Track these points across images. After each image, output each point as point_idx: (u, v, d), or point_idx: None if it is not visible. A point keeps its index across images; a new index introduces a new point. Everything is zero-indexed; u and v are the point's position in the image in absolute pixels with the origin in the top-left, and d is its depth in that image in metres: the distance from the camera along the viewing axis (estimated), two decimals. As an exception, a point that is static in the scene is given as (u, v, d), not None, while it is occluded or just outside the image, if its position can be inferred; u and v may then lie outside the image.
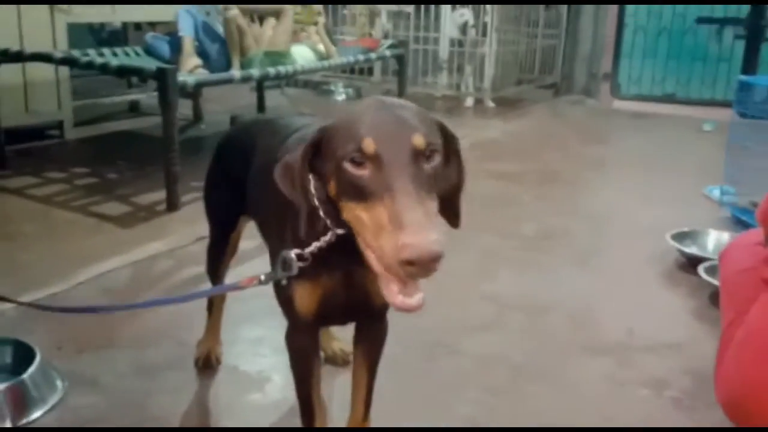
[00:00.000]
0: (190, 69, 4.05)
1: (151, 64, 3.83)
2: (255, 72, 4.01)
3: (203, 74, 3.99)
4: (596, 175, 4.65)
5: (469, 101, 6.55)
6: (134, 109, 5.62)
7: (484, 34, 6.38)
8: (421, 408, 1.98)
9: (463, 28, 6.38)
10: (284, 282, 1.38)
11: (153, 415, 1.90)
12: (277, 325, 1.93)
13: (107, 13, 4.95)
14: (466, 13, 6.38)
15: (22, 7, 4.27)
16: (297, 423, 1.58)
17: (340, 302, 1.41)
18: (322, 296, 1.40)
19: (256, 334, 2.31)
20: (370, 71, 6.85)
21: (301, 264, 1.32)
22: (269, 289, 1.91)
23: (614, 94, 7.19)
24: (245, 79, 4.11)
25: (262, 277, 1.42)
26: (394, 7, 6.65)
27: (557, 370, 2.18)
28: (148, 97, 5.48)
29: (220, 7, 4.36)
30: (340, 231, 1.27)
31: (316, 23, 4.80)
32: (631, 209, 3.79)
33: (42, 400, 1.88)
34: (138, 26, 5.72)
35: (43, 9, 4.39)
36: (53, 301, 2.44)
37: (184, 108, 5.38)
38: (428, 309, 2.49)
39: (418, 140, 1.09)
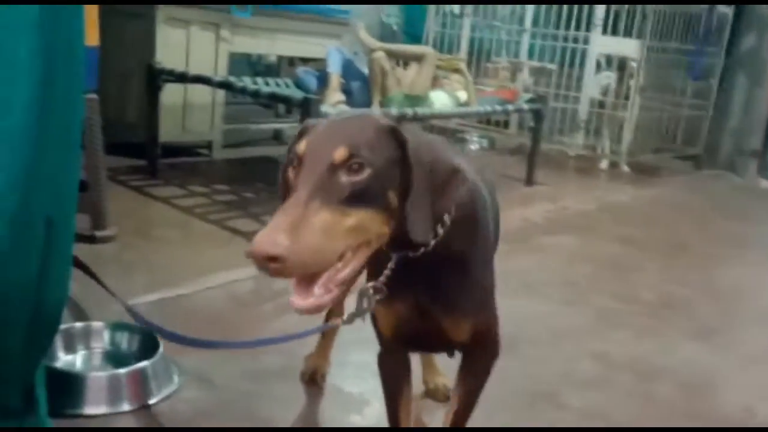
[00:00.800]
0: (333, 103, 4.27)
1: (298, 94, 4.06)
2: (393, 110, 4.16)
3: (344, 108, 4.19)
4: (731, 252, 4.43)
5: (604, 164, 6.44)
6: (277, 137, 5.93)
7: (627, 98, 6.29)
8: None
9: (606, 90, 6.32)
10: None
11: (258, 416, 1.99)
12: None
13: (265, 46, 5.31)
14: (610, 75, 6.32)
15: (192, 33, 4.66)
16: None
17: (416, 330, 1.42)
18: (396, 322, 1.42)
19: (362, 359, 2.36)
20: (506, 124, 6.89)
21: (377, 297, 1.33)
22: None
23: (762, 174, 6.83)
24: (383, 118, 4.26)
25: (344, 317, 1.39)
26: (536, 63, 6.70)
27: (661, 438, 2.11)
28: (290, 127, 5.78)
29: (367, 47, 4.60)
30: (394, 255, 1.29)
31: (457, 70, 4.93)
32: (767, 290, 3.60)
33: (158, 389, 2.01)
34: (291, 62, 6.07)
35: (210, 37, 4.77)
36: (180, 301, 2.63)
37: (322, 141, 5.64)
38: (536, 359, 2.50)
39: (338, 153, 1.07)
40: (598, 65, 6.39)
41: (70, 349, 2.12)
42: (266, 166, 5.16)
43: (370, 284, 1.33)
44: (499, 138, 6.96)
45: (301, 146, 1.11)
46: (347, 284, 1.10)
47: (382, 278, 1.32)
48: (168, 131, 4.54)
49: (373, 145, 1.11)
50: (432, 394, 2.18)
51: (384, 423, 1.98)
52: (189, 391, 2.07)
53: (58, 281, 1.59)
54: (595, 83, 6.36)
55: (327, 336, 2.20)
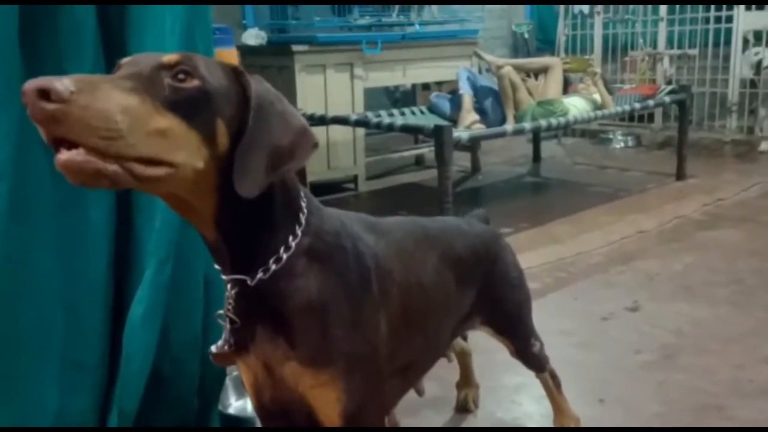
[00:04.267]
0: (468, 124, 4.32)
1: (431, 122, 4.15)
2: (527, 125, 4.15)
3: (478, 129, 4.23)
4: None
5: (764, 146, 5.98)
6: (419, 162, 6.05)
7: (784, 73, 5.84)
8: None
9: (757, 67, 5.91)
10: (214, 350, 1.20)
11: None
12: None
13: (398, 77, 5.45)
14: (761, 51, 5.91)
15: (328, 76, 4.87)
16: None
17: (278, 401, 1.16)
18: (254, 382, 1.18)
19: (515, 381, 2.37)
20: (651, 118, 6.61)
21: (226, 325, 1.17)
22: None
23: None
24: (517, 132, 4.25)
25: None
26: (676, 51, 6.39)
27: None
28: (430, 151, 5.87)
29: (494, 66, 4.63)
30: (224, 277, 1.12)
31: (589, 67, 4.85)
32: None
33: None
34: (426, 86, 6.18)
35: (345, 77, 4.97)
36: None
37: (463, 160, 5.68)
38: (701, 369, 2.39)
39: (168, 57, 0.95)
40: (746, 42, 6.00)
41: (240, 394, 2.28)
42: (410, 192, 5.28)
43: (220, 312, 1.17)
44: (644, 133, 6.68)
45: (124, 60, 0.98)
46: (131, 181, 0.89)
47: (227, 307, 1.14)
48: (314, 171, 4.78)
49: (211, 68, 0.98)
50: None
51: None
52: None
53: (219, 334, 1.75)
54: (744, 62, 5.98)
55: (461, 362, 2.18)
